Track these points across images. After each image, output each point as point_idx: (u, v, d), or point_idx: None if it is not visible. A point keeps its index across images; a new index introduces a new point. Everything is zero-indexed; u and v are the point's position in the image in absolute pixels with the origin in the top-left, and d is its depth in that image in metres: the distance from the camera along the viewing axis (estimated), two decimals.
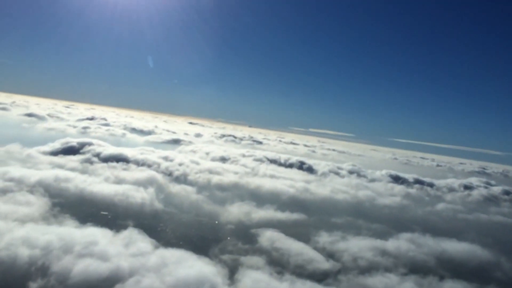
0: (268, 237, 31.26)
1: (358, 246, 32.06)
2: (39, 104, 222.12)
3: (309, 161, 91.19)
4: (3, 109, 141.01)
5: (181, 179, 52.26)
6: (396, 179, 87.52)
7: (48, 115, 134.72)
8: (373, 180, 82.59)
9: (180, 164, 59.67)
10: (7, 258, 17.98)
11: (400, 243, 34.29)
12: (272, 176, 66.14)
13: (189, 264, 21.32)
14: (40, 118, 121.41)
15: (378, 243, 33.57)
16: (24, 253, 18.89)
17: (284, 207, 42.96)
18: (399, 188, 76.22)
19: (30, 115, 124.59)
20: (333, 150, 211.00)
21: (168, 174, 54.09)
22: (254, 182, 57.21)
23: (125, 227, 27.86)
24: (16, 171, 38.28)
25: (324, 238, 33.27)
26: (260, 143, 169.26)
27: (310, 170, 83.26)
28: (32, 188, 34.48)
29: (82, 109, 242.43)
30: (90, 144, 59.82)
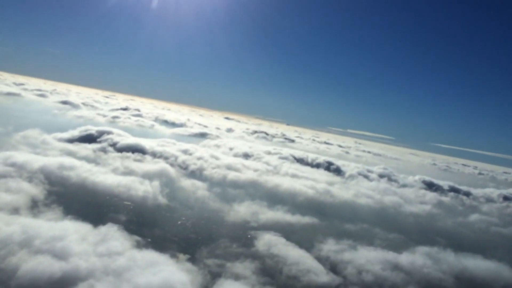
0: (266, 241, 28.77)
1: (366, 257, 28.98)
2: (80, 93, 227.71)
3: (338, 162, 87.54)
4: (42, 95, 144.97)
5: (196, 174, 50.52)
6: (430, 186, 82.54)
7: (83, 103, 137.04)
8: (404, 186, 78.04)
9: (199, 158, 57.96)
10: None
11: (415, 258, 30.91)
12: (293, 176, 63.35)
13: (159, 269, 19.19)
14: (74, 106, 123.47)
15: (390, 255, 30.35)
16: None
17: (296, 209, 40.30)
18: (431, 195, 71.51)
19: (65, 102, 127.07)
20: (369, 152, 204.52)
21: (184, 168, 52.54)
22: (272, 180, 54.68)
23: (112, 221, 26.25)
24: (21, 156, 37.52)
25: (329, 246, 30.39)
26: (292, 141, 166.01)
27: (338, 171, 79.78)
28: (32, 175, 33.48)
29: (121, 100, 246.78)
30: (109, 133, 59.13)
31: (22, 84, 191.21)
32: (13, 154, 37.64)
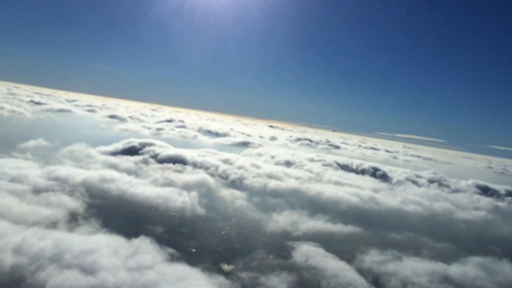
0: (304, 252, 27.62)
1: (413, 269, 27.16)
2: (128, 107, 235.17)
3: (385, 168, 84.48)
4: (91, 111, 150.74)
5: (236, 183, 50.12)
6: (485, 191, 77.74)
7: (130, 117, 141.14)
8: (456, 191, 73.90)
9: (239, 168, 57.61)
10: None
11: (467, 269, 28.64)
12: (336, 183, 61.58)
13: (190, 283, 18.64)
14: (121, 119, 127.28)
15: (439, 266, 28.30)
16: (7, 260, 17.50)
17: (338, 218, 38.84)
18: (486, 200, 67.20)
19: (113, 116, 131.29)
20: (418, 156, 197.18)
21: (224, 177, 52.33)
22: (314, 188, 53.34)
23: (148, 233, 26.17)
24: (64, 170, 38.46)
25: (372, 257, 28.77)
26: (337, 147, 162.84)
27: (384, 177, 76.94)
28: (74, 188, 34.15)
29: (167, 112, 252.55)
30: (151, 144, 60.01)
31: (74, 101, 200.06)
32: (57, 168, 38.66)
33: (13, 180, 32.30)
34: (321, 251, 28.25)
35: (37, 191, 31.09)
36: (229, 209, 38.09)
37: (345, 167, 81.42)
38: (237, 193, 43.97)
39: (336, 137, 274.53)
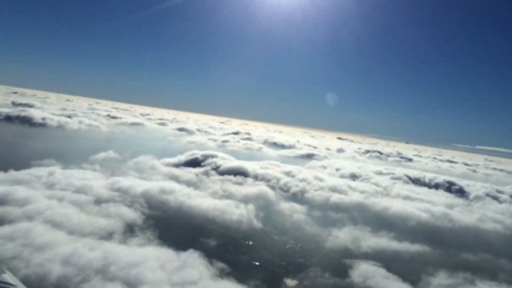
0: (363, 272, 25.72)
1: None
2: (198, 120, 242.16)
3: (462, 182, 78.54)
4: (162, 124, 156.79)
5: (297, 196, 48.85)
6: None
7: (198, 129, 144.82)
8: None
9: (301, 180, 56.26)
10: (34, 276, 16.89)
11: None
12: (406, 198, 58.06)
13: None
14: (190, 132, 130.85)
15: None
16: (55, 271, 17.72)
17: (405, 236, 36.22)
18: None
19: (181, 129, 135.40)
20: (501, 170, 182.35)
21: (285, 190, 51.30)
22: (380, 203, 50.55)
23: (201, 245, 25.83)
24: (127, 181, 39.51)
25: (440, 280, 26.18)
26: (410, 160, 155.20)
27: (460, 192, 71.49)
28: (134, 199, 34.85)
29: (235, 125, 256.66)
30: (213, 156, 60.52)
31: (148, 115, 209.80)
32: (120, 179, 39.82)
33: (77, 190, 33.55)
34: (382, 271, 26.18)
35: (98, 201, 31.97)
36: (286, 223, 36.94)
37: (416, 181, 76.93)
38: (296, 206, 42.69)
39: (409, 150, 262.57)
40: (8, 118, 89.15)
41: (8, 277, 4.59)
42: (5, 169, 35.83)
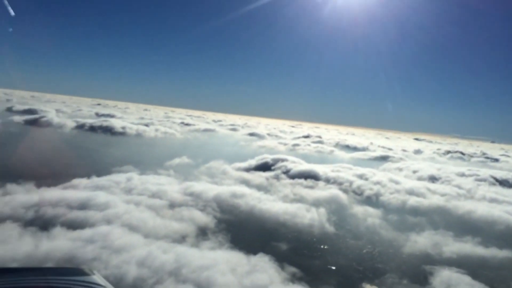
0: (445, 279, 24.01)
1: None
2: (268, 125, 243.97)
3: None
4: (234, 129, 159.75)
5: (371, 200, 47.20)
6: None
7: (268, 134, 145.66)
8: None
9: (376, 183, 54.32)
10: (112, 278, 17.62)
11: None
12: (492, 200, 53.84)
13: None
14: (260, 137, 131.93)
15: None
16: (131, 272, 18.37)
17: (492, 241, 33.45)
18: None
19: (252, 134, 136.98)
20: None
21: (358, 193, 49.78)
22: (463, 206, 47.29)
23: (271, 249, 25.65)
24: (199, 186, 40.46)
25: None
26: (496, 160, 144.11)
27: None
28: (206, 204, 35.54)
29: (306, 128, 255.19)
30: (283, 160, 60.33)
31: (220, 121, 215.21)
32: (193, 184, 40.89)
33: (153, 195, 34.88)
34: (467, 278, 24.28)
35: (172, 206, 32.96)
36: (360, 227, 35.69)
37: (504, 183, 71.22)
38: (370, 210, 41.18)
39: (494, 149, 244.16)
40: (92, 128, 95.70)
41: (97, 278, 4.69)
42: (88, 175, 38.24)
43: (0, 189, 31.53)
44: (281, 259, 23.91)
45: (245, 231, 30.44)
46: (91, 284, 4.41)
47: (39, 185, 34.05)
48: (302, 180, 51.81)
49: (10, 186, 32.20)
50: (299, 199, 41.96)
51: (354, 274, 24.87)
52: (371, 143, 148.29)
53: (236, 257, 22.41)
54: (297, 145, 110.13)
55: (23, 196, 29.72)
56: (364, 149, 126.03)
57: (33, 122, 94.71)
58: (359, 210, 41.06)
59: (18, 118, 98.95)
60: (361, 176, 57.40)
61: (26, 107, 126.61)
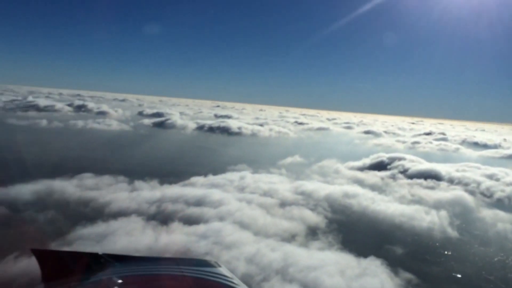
0: None
1: None
2: (385, 122, 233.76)
3: None
4: (348, 128, 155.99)
5: (503, 203, 42.44)
6: None
7: (385, 131, 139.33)
8: None
9: (509, 184, 48.68)
10: None
11: None
12: None
13: None
14: (376, 134, 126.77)
15: None
16: (240, 268, 18.82)
17: None
18: None
19: (368, 132, 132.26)
20: None
21: (487, 195, 45.02)
22: None
23: (384, 253, 24.42)
24: (310, 185, 40.20)
25: None
26: None
27: None
28: (317, 203, 35.16)
29: (428, 125, 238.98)
30: (400, 159, 57.14)
31: (334, 119, 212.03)
32: (304, 183, 40.78)
33: (264, 194, 35.52)
34: None
35: (283, 204, 33.20)
36: (489, 232, 32.24)
37: None
38: (502, 214, 36.98)
39: None
40: (211, 129, 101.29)
41: (224, 270, 4.92)
42: (205, 174, 40.35)
43: (129, 186, 34.88)
44: (394, 263, 22.57)
45: (356, 233, 29.40)
46: (219, 276, 4.60)
47: (162, 182, 36.96)
48: (421, 180, 48.48)
49: (138, 183, 35.41)
50: (418, 201, 39.33)
51: (484, 284, 22.52)
52: (505, 140, 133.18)
53: (346, 259, 21.71)
54: (417, 142, 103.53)
55: (148, 192, 32.49)
56: (496, 146, 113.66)
57: (160, 124, 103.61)
58: (488, 213, 37.11)
59: (147, 121, 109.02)
60: (491, 177, 51.86)
61: (154, 110, 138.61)
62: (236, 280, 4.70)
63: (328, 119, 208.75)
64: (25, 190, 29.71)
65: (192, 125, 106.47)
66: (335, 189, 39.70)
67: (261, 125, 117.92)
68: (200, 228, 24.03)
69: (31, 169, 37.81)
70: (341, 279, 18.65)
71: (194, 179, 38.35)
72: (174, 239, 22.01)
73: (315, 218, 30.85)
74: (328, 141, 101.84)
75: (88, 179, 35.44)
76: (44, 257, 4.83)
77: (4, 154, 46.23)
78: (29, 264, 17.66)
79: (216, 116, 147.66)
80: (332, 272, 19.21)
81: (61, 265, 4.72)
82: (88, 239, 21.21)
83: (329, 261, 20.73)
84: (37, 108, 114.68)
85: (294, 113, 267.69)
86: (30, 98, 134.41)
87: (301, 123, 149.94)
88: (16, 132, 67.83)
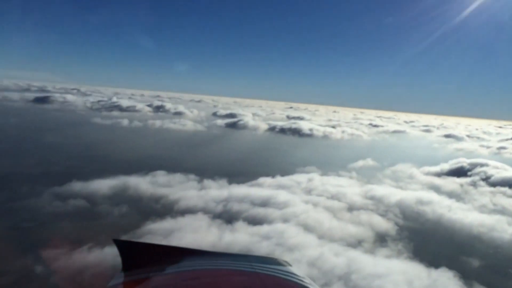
0: None
1: None
2: (469, 125, 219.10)
3: None
4: (427, 131, 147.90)
5: None
6: None
7: (468, 135, 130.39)
8: None
9: None
10: None
11: None
12: None
13: None
14: (458, 138, 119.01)
15: None
16: (302, 272, 18.49)
17: None
18: None
19: (448, 136, 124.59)
20: None
21: None
22: None
23: (459, 265, 22.85)
24: (381, 190, 38.81)
25: None
26: None
27: None
28: (388, 209, 33.86)
29: None
30: (483, 165, 53.21)
31: (412, 122, 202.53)
32: (375, 188, 39.44)
33: (332, 197, 34.83)
34: None
35: (351, 209, 32.31)
36: None
37: None
38: None
39: None
40: (282, 130, 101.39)
41: (294, 270, 4.84)
42: (273, 174, 40.39)
43: (199, 184, 35.88)
44: (469, 276, 21.02)
45: (429, 242, 27.82)
46: (291, 274, 4.53)
47: (230, 181, 37.58)
48: (505, 189, 44.74)
49: (207, 182, 36.33)
50: (501, 210, 36.43)
51: None
52: None
53: (415, 269, 20.59)
54: (504, 148, 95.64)
55: (216, 191, 33.18)
56: None
57: (232, 125, 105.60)
58: None
59: (220, 122, 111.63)
60: None
61: (228, 111, 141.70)
62: (308, 280, 4.57)
63: (406, 122, 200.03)
64: (103, 185, 31.71)
65: (264, 126, 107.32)
66: (408, 194, 37.95)
67: (334, 127, 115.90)
68: (264, 228, 24.05)
69: (110, 165, 40.30)
70: None
71: (262, 179, 38.53)
72: (237, 238, 22.22)
73: (384, 224, 29.67)
74: (404, 145, 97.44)
75: (161, 176, 37.00)
76: (125, 247, 5.10)
77: (87, 151, 49.84)
78: (108, 254, 18.83)
79: (288, 118, 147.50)
80: (398, 281, 18.31)
81: (140, 256, 4.96)
82: (156, 234, 22.07)
83: (396, 269, 19.78)
84: (120, 108, 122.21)
85: (369, 115, 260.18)
86: (114, 99, 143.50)
87: (375, 126, 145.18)
88: (100, 131, 72.82)
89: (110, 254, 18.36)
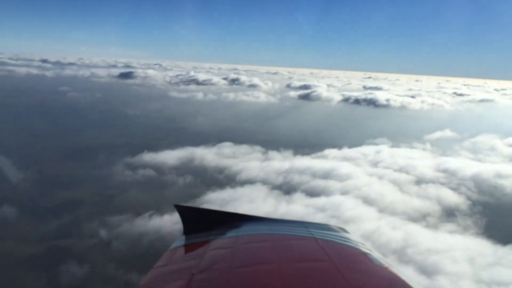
0: None
1: None
2: None
3: None
4: None
5: None
6: None
7: None
8: None
9: None
10: None
11: None
12: None
13: None
14: None
15: None
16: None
17: None
18: None
19: None
20: None
21: None
22: None
23: None
24: (455, 162, 36.69)
25: None
26: None
27: None
28: (461, 182, 31.99)
29: None
30: None
31: (504, 90, 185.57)
32: (449, 160, 37.38)
33: (400, 169, 33.57)
34: None
35: (419, 182, 30.99)
36: None
37: None
38: None
39: None
40: (357, 101, 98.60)
41: (352, 236, 4.97)
42: (340, 146, 39.72)
43: (263, 155, 36.39)
44: None
45: (503, 218, 25.97)
46: (349, 240, 4.66)
47: (295, 153, 37.66)
48: None
49: (271, 153, 36.72)
50: None
51: None
52: None
53: (480, 245, 19.39)
54: None
55: (278, 162, 33.45)
56: None
57: (305, 97, 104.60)
58: None
59: (293, 93, 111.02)
60: None
61: (302, 83, 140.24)
62: (367, 245, 4.65)
63: (496, 90, 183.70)
64: (171, 156, 33.37)
65: (338, 97, 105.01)
66: (486, 167, 35.43)
67: (413, 96, 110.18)
68: (321, 200, 23.90)
69: (181, 137, 42.15)
70: (466, 266, 16.78)
71: (328, 151, 38.12)
72: (292, 209, 22.36)
73: (455, 199, 28.14)
74: (490, 115, 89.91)
75: (228, 147, 38.04)
76: (186, 213, 5.46)
77: (162, 124, 52.42)
78: (169, 220, 20.03)
79: (365, 88, 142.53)
80: (458, 257, 17.40)
81: (200, 221, 5.28)
82: (214, 203, 22.91)
83: (458, 246, 18.81)
84: (197, 82, 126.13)
85: (455, 83, 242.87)
86: (192, 73, 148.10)
87: (460, 95, 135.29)
88: (175, 104, 75.94)
89: (172, 221, 19.47)
